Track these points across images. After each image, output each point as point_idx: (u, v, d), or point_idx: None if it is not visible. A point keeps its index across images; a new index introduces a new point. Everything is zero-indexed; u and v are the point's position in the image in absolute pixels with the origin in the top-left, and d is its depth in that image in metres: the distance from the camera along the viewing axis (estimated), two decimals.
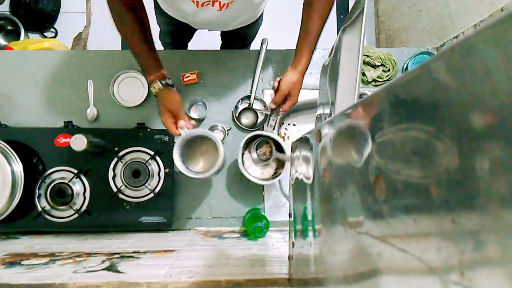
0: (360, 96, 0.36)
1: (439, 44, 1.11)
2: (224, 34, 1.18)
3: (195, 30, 1.02)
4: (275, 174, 0.93)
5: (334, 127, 0.32)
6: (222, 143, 0.99)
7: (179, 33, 1.12)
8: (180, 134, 0.80)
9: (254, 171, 0.94)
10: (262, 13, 1.03)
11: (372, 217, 0.23)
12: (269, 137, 0.92)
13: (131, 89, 1.02)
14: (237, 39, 1.15)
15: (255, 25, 1.05)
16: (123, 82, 1.02)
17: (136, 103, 1.00)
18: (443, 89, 0.16)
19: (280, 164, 0.94)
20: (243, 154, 0.91)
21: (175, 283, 0.57)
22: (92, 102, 1.00)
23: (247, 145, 0.93)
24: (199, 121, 1.00)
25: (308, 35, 0.80)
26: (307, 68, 0.84)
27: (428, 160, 0.17)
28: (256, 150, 0.94)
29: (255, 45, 1.04)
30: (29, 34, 1.67)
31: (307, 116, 1.13)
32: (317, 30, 0.79)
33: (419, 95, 0.18)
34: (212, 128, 1.00)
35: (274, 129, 0.98)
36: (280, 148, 0.91)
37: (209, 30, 1.00)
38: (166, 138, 0.94)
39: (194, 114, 0.99)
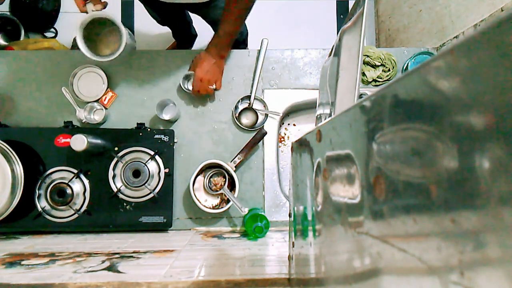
0: (360, 96, 0.36)
1: (439, 44, 1.11)
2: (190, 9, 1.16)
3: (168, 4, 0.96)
4: (218, 206, 0.96)
5: (334, 127, 0.32)
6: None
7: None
8: (86, 12, 0.77)
9: (201, 195, 0.97)
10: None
11: (372, 217, 0.23)
12: (227, 172, 0.95)
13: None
14: (204, 16, 1.14)
15: (212, 7, 1.00)
16: None
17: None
18: (443, 89, 0.16)
19: (225, 201, 0.96)
20: (197, 175, 0.95)
21: (175, 283, 0.57)
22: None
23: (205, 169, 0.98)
24: (172, 122, 1.00)
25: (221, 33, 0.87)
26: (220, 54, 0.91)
27: (428, 160, 0.17)
28: (210, 177, 0.97)
29: (255, 45, 1.04)
30: (29, 34, 1.67)
31: (307, 116, 1.13)
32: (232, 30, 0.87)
33: (419, 95, 0.18)
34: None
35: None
36: (233, 185, 0.94)
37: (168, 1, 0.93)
38: (166, 138, 0.94)
39: (166, 115, 0.97)
